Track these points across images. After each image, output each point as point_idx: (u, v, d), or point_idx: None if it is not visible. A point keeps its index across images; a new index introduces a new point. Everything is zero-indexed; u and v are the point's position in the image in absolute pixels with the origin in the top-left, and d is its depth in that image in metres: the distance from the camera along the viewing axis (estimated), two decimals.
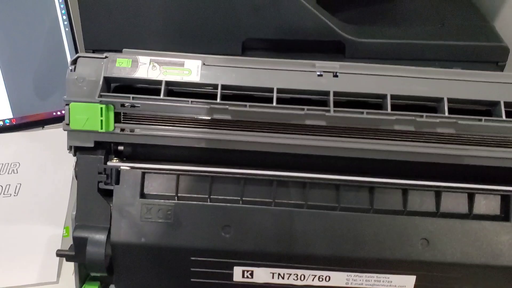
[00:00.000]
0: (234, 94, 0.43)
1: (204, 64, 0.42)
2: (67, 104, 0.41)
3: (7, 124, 0.67)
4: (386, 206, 0.43)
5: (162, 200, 0.42)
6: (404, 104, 0.43)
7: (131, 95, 0.41)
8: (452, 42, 0.56)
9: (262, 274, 0.43)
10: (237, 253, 0.42)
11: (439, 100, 0.42)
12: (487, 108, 0.43)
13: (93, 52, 0.58)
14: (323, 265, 0.43)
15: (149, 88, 0.42)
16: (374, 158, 0.43)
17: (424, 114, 0.41)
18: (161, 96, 0.41)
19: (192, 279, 0.44)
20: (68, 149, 0.43)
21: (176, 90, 0.43)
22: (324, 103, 0.42)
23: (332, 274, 0.43)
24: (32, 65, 0.66)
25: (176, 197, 0.43)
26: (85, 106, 0.41)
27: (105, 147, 0.43)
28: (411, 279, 0.43)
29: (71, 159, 0.43)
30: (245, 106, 0.40)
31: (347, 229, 0.42)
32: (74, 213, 0.43)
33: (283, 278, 0.43)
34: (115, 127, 0.42)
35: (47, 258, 0.53)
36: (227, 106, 0.40)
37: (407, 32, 0.58)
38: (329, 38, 0.56)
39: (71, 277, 0.46)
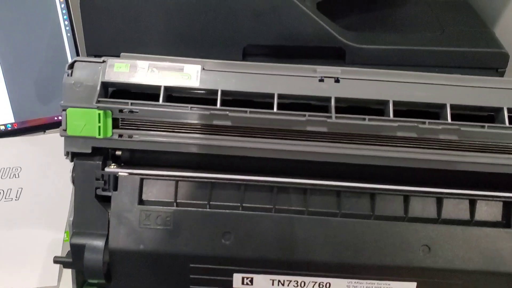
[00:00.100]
0: (234, 99, 0.40)
1: (203, 69, 0.39)
2: (64, 110, 0.38)
3: (9, 128, 0.65)
4: (387, 212, 0.41)
5: (161, 207, 0.40)
6: (406, 109, 0.40)
7: (130, 101, 0.38)
8: (452, 48, 0.55)
9: (262, 281, 0.41)
10: (237, 260, 0.40)
11: (442, 106, 0.39)
12: (489, 114, 0.41)
13: (95, 57, 0.56)
14: (324, 271, 0.41)
15: (148, 92, 0.40)
16: (375, 165, 0.41)
17: (427, 120, 0.39)
18: (160, 102, 0.38)
19: (191, 286, 0.41)
20: (65, 155, 0.40)
21: (175, 94, 0.40)
22: (325, 109, 0.40)
23: (332, 281, 0.41)
24: (33, 70, 0.65)
25: (175, 204, 0.40)
26: (83, 111, 0.38)
27: (103, 153, 0.41)
28: (412, 286, 0.41)
29: (72, 164, 0.41)
30: (246, 112, 0.38)
31: (348, 236, 0.40)
32: (71, 219, 0.40)
33: (283, 285, 0.41)
34: (113, 133, 0.39)
35: (48, 262, 0.51)
36: (227, 112, 0.38)
37: (407, 38, 0.56)
38: (330, 44, 0.54)
39: (71, 281, 0.43)
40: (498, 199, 0.41)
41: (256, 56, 0.56)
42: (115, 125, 0.40)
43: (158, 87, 0.38)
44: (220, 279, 0.41)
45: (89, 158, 0.40)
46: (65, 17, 0.64)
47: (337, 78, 0.39)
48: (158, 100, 0.39)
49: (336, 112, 0.39)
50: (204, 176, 0.40)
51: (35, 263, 0.51)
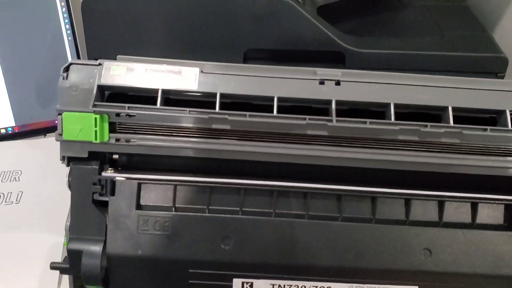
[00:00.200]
0: (233, 102, 0.38)
1: (202, 71, 0.37)
2: (60, 114, 0.36)
3: (9, 132, 0.63)
4: (388, 216, 0.38)
5: (159, 212, 0.38)
6: (407, 112, 0.38)
7: (127, 105, 0.36)
8: (451, 53, 0.53)
9: (262, 286, 0.39)
10: (236, 265, 0.38)
11: (444, 109, 0.37)
12: (490, 116, 0.39)
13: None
14: (324, 276, 0.38)
15: (145, 95, 0.37)
16: (376, 168, 0.38)
17: (429, 124, 0.36)
18: (158, 106, 0.36)
19: None
20: (61, 160, 0.38)
21: (173, 97, 0.38)
22: (326, 112, 0.37)
23: (333, 285, 0.39)
24: (34, 74, 0.63)
25: (173, 208, 0.38)
26: (79, 116, 0.36)
27: (100, 157, 0.38)
28: None
29: (68, 169, 0.38)
30: (245, 115, 0.35)
31: (348, 240, 0.38)
32: (68, 224, 0.38)
33: None
34: (110, 137, 0.37)
35: (48, 266, 0.47)
36: (226, 116, 0.36)
37: (407, 42, 0.54)
38: (330, 49, 0.52)
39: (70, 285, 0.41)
40: (500, 202, 0.39)
41: (257, 60, 0.54)
42: (112, 129, 0.37)
43: (156, 90, 0.36)
44: (220, 284, 0.39)
45: (85, 162, 0.38)
46: (66, 20, 0.62)
47: (338, 80, 0.37)
48: (155, 104, 0.36)
49: (337, 115, 0.36)
50: (203, 180, 0.38)
51: (35, 267, 0.49)
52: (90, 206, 0.38)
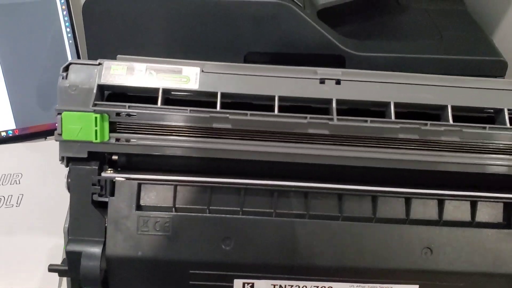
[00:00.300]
0: (233, 102, 0.37)
1: (202, 71, 0.36)
2: (59, 114, 0.35)
3: (10, 134, 0.62)
4: (389, 215, 0.38)
5: (159, 212, 0.37)
6: (407, 112, 0.38)
7: (127, 104, 0.35)
8: (451, 56, 0.52)
9: (263, 287, 0.38)
10: (237, 266, 0.37)
11: (443, 107, 0.37)
12: (489, 115, 0.38)
13: None
14: (326, 276, 0.38)
15: (145, 96, 0.36)
16: (376, 167, 0.38)
17: (429, 122, 0.36)
18: (159, 105, 0.35)
19: None
20: (60, 160, 0.37)
21: (172, 97, 0.37)
22: (326, 111, 0.37)
23: (334, 285, 0.38)
24: (35, 76, 0.62)
25: (173, 209, 0.37)
26: (79, 115, 0.35)
27: (99, 158, 0.37)
28: None
29: (67, 170, 0.37)
30: (246, 114, 0.35)
31: (349, 239, 0.37)
32: (66, 225, 0.37)
33: None
34: (110, 137, 0.36)
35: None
36: (227, 115, 0.35)
37: (406, 46, 0.54)
38: (330, 52, 0.52)
39: None
40: (499, 200, 0.38)
41: (257, 63, 0.53)
42: (112, 129, 0.36)
43: (156, 90, 0.35)
44: (221, 285, 0.38)
45: (85, 163, 0.37)
46: (67, 23, 0.62)
47: (338, 79, 0.36)
48: (156, 103, 0.35)
49: (338, 114, 0.36)
50: (203, 180, 0.37)
51: (36, 270, 0.48)
52: (89, 207, 0.37)
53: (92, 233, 0.37)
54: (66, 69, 0.35)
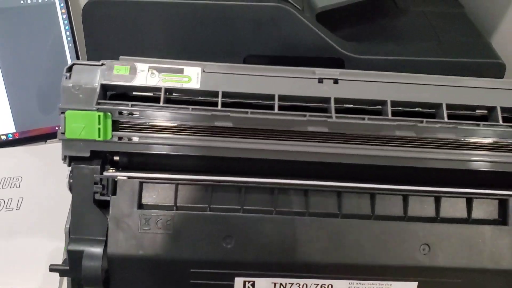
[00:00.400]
0: (234, 102, 0.38)
1: (204, 71, 0.38)
2: (63, 112, 0.36)
3: (10, 138, 0.63)
4: (387, 212, 0.39)
5: (161, 211, 0.38)
6: (403, 111, 0.39)
7: (130, 102, 0.36)
8: (449, 59, 0.54)
9: (264, 285, 0.39)
10: (238, 264, 0.38)
11: (438, 106, 0.38)
12: (482, 115, 0.40)
13: None
14: (325, 273, 0.39)
15: (146, 96, 0.38)
16: (374, 165, 0.39)
17: (424, 119, 0.37)
18: (161, 103, 0.36)
19: None
20: (62, 159, 0.38)
21: (174, 98, 0.38)
22: (324, 111, 0.38)
23: (334, 282, 0.39)
24: (35, 80, 0.63)
25: (175, 207, 0.38)
26: (82, 114, 0.36)
27: (101, 157, 0.38)
28: (413, 286, 0.39)
29: (69, 170, 0.39)
30: (247, 112, 0.36)
31: (349, 236, 0.38)
32: (68, 226, 0.38)
33: None
34: (112, 135, 0.37)
35: (48, 272, 0.46)
36: (228, 113, 0.36)
37: (405, 48, 0.55)
38: (329, 55, 0.53)
39: None
40: (494, 197, 0.40)
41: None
42: (115, 128, 0.37)
43: (159, 89, 0.36)
44: (222, 284, 0.39)
45: (87, 162, 0.38)
46: (66, 27, 0.63)
47: (336, 79, 0.38)
48: (158, 103, 0.36)
49: (336, 113, 0.37)
50: (204, 179, 0.38)
51: (36, 273, 0.48)
52: (91, 206, 0.38)
53: (94, 232, 0.38)
54: (70, 69, 0.37)
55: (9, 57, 0.61)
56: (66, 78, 0.36)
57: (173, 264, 0.38)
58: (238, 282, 0.39)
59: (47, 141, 0.65)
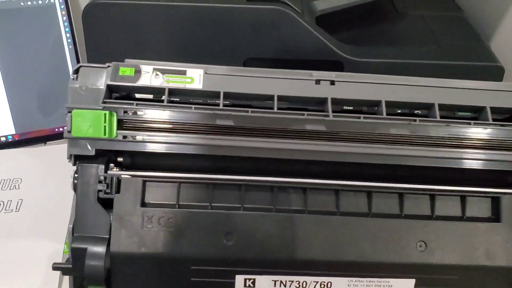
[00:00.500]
0: (234, 104, 0.41)
1: (206, 73, 0.40)
2: (70, 111, 0.39)
3: (10, 140, 0.65)
4: (384, 210, 0.42)
5: (164, 209, 0.40)
6: (397, 112, 0.42)
7: (135, 102, 0.39)
8: (448, 62, 0.56)
9: (264, 282, 0.41)
10: (239, 261, 0.40)
11: (431, 106, 0.41)
12: (473, 116, 0.43)
13: None
14: (324, 270, 0.41)
15: (149, 99, 0.41)
16: (370, 164, 0.42)
17: (418, 118, 0.40)
18: (165, 103, 0.39)
19: None
20: (67, 158, 0.40)
21: (176, 99, 0.41)
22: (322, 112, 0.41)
23: (333, 279, 0.41)
24: (35, 82, 0.65)
25: (177, 205, 0.41)
26: (88, 112, 0.39)
27: (106, 156, 0.41)
28: (410, 283, 0.42)
29: (73, 170, 0.41)
30: (247, 111, 0.39)
31: (347, 233, 0.41)
32: (71, 226, 0.40)
33: (285, 286, 0.41)
34: (117, 134, 0.40)
35: (48, 274, 0.50)
36: (230, 112, 0.39)
37: (403, 52, 0.57)
38: (328, 58, 0.55)
39: None
40: (487, 195, 0.42)
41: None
42: (119, 126, 0.40)
43: (162, 90, 0.39)
44: (222, 282, 0.41)
45: (92, 161, 0.40)
46: (67, 29, 0.65)
47: (332, 80, 0.41)
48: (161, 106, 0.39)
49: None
50: (206, 177, 0.41)
51: (35, 275, 0.50)
52: (95, 205, 0.40)
53: (97, 231, 0.40)
54: (76, 71, 0.40)
55: (9, 59, 0.63)
56: (73, 79, 0.39)
57: (175, 262, 0.40)
58: (239, 279, 0.41)
59: (47, 142, 0.66)
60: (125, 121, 0.40)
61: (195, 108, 0.39)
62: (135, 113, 0.40)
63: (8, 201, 0.58)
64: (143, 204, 0.41)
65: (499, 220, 0.42)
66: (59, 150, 0.65)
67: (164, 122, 0.40)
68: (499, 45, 0.65)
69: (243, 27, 0.54)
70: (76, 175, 0.41)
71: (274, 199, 0.41)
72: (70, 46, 0.65)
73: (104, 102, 0.38)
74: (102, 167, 0.41)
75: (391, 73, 0.54)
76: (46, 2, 0.63)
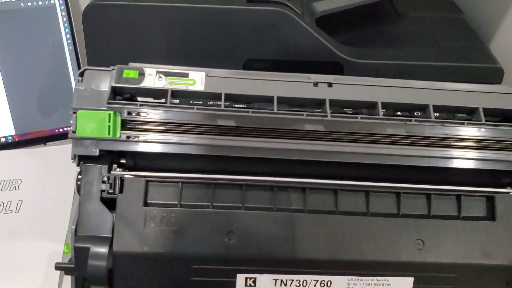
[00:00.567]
0: (234, 106, 0.43)
1: (208, 75, 0.43)
2: (75, 112, 0.41)
3: (10, 140, 0.66)
4: (382, 209, 0.44)
5: (166, 208, 0.42)
6: (394, 114, 0.44)
7: (138, 102, 0.41)
8: (447, 63, 0.57)
9: (265, 281, 0.43)
10: (240, 259, 0.42)
11: (425, 107, 0.43)
12: (467, 118, 0.45)
13: None
14: (324, 268, 0.43)
15: (153, 101, 0.42)
16: (368, 164, 0.44)
17: (413, 118, 0.42)
18: (168, 103, 0.41)
19: None
20: (72, 158, 0.42)
21: (177, 100, 0.43)
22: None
23: (333, 278, 0.43)
24: (35, 83, 0.66)
25: (179, 205, 0.42)
26: (93, 113, 0.41)
27: (109, 157, 0.43)
28: (409, 281, 0.43)
29: (73, 176, 0.43)
30: (248, 112, 0.41)
31: (346, 232, 0.43)
32: (73, 227, 0.42)
33: (285, 285, 0.43)
34: (121, 134, 0.42)
35: (48, 275, 0.52)
36: (231, 112, 0.41)
37: (403, 53, 0.58)
38: (328, 59, 0.56)
39: None
40: (482, 194, 0.45)
41: (256, 70, 0.55)
42: (123, 127, 0.42)
43: (165, 91, 0.41)
44: (223, 281, 0.42)
45: (95, 161, 0.42)
46: (67, 30, 0.66)
47: (330, 83, 0.43)
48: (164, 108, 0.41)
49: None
50: (207, 177, 0.43)
51: (35, 276, 0.51)
52: (98, 204, 0.42)
53: (100, 230, 0.42)
54: (82, 74, 0.42)
55: (9, 60, 0.64)
56: (79, 81, 0.41)
57: (177, 261, 0.42)
58: (240, 278, 0.42)
59: (47, 143, 0.68)
60: (128, 122, 0.42)
61: (197, 108, 0.41)
62: (138, 114, 0.42)
63: (8, 201, 0.59)
64: (146, 204, 0.42)
65: (494, 219, 0.44)
66: (59, 151, 0.66)
67: (166, 123, 0.43)
68: (499, 47, 0.66)
69: (243, 28, 0.55)
70: (79, 176, 0.43)
71: (274, 198, 0.43)
72: (70, 47, 0.67)
73: (108, 103, 0.40)
74: (105, 167, 0.43)
75: (390, 74, 0.56)
76: (46, 3, 0.65)
